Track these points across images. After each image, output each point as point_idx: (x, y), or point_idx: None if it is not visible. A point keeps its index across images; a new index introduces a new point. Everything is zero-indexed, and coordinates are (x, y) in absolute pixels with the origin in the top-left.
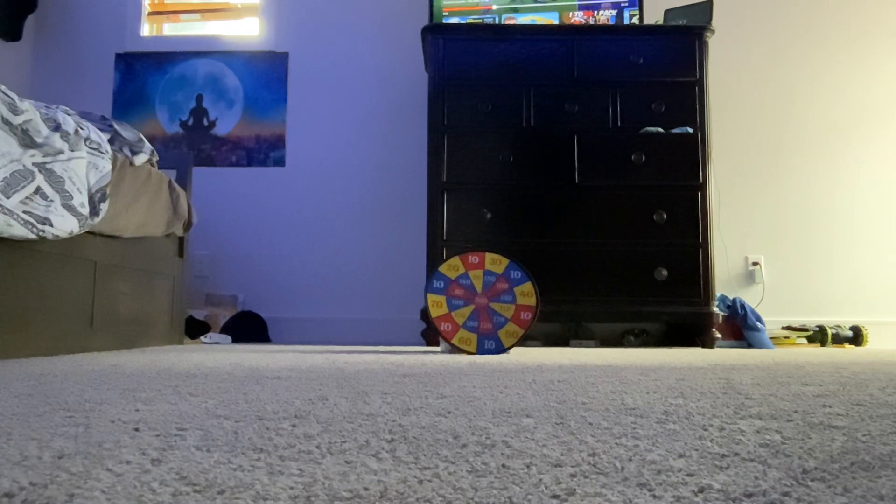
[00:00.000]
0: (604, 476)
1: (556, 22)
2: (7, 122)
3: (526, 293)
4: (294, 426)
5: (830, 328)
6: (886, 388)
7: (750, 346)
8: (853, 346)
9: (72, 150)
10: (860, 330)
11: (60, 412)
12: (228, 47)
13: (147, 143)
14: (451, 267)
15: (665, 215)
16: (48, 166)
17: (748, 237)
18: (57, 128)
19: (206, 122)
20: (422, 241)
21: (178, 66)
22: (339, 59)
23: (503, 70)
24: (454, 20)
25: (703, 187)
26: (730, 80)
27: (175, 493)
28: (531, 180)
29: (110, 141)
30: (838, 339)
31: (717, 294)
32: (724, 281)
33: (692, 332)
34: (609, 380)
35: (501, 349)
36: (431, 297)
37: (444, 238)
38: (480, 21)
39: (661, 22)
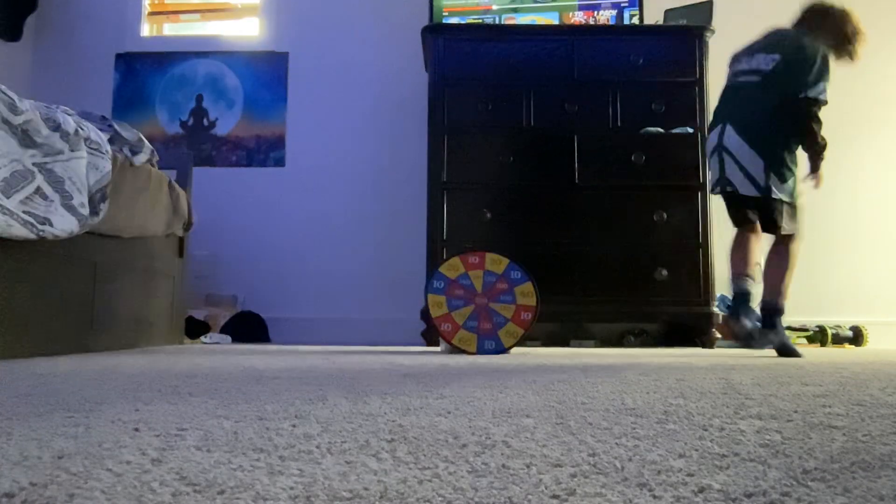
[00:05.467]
0: (604, 476)
1: (556, 22)
2: (7, 122)
3: (526, 293)
4: (294, 426)
5: (830, 328)
6: (886, 388)
7: None
8: (853, 346)
9: (72, 150)
10: (860, 330)
11: (60, 412)
12: (228, 47)
13: (147, 143)
14: (451, 267)
15: (665, 215)
16: (48, 166)
17: None
18: (57, 128)
19: (206, 122)
20: (422, 241)
21: (178, 66)
22: (339, 59)
23: (503, 70)
24: (454, 20)
25: (703, 187)
26: None
27: (175, 493)
28: (531, 180)
29: (110, 141)
30: (838, 339)
31: (717, 294)
32: (724, 281)
33: (692, 332)
34: (609, 380)
35: (501, 349)
36: (431, 297)
37: (444, 238)
38: (480, 21)
39: (661, 22)
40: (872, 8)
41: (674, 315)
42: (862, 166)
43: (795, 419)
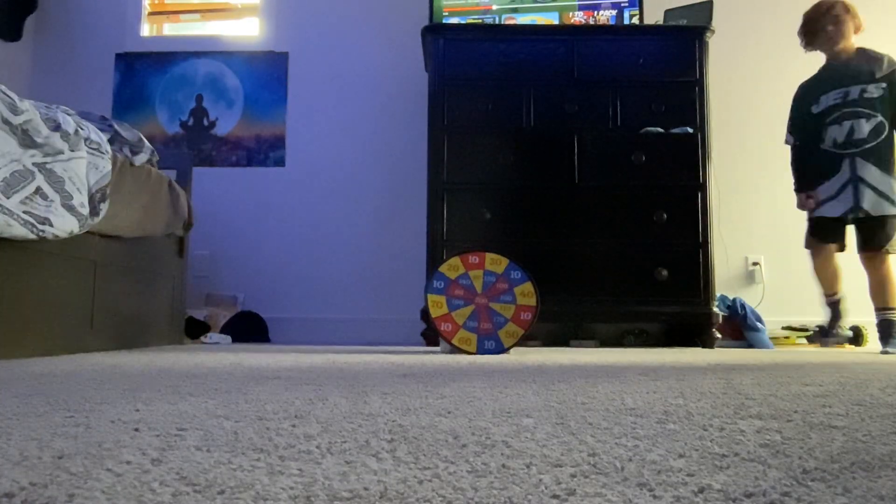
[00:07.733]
0: (604, 476)
1: (556, 22)
2: (7, 122)
3: (526, 293)
4: (294, 426)
5: None
6: (886, 388)
7: (750, 346)
8: (853, 346)
9: (72, 150)
10: (860, 330)
11: (60, 412)
12: (228, 47)
13: (147, 143)
14: (451, 267)
15: (665, 215)
16: (48, 166)
17: (748, 237)
18: (57, 128)
19: (206, 122)
20: (422, 241)
21: (178, 66)
22: (339, 59)
23: (503, 70)
24: (454, 20)
25: (703, 187)
26: (730, 80)
27: (175, 493)
28: (531, 180)
29: (110, 141)
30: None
31: (717, 294)
32: (724, 281)
33: (692, 332)
34: (609, 380)
35: (501, 349)
36: (431, 297)
37: (444, 238)
38: (480, 21)
39: (661, 22)
40: (872, 8)
41: (674, 315)
42: None
43: (795, 419)
